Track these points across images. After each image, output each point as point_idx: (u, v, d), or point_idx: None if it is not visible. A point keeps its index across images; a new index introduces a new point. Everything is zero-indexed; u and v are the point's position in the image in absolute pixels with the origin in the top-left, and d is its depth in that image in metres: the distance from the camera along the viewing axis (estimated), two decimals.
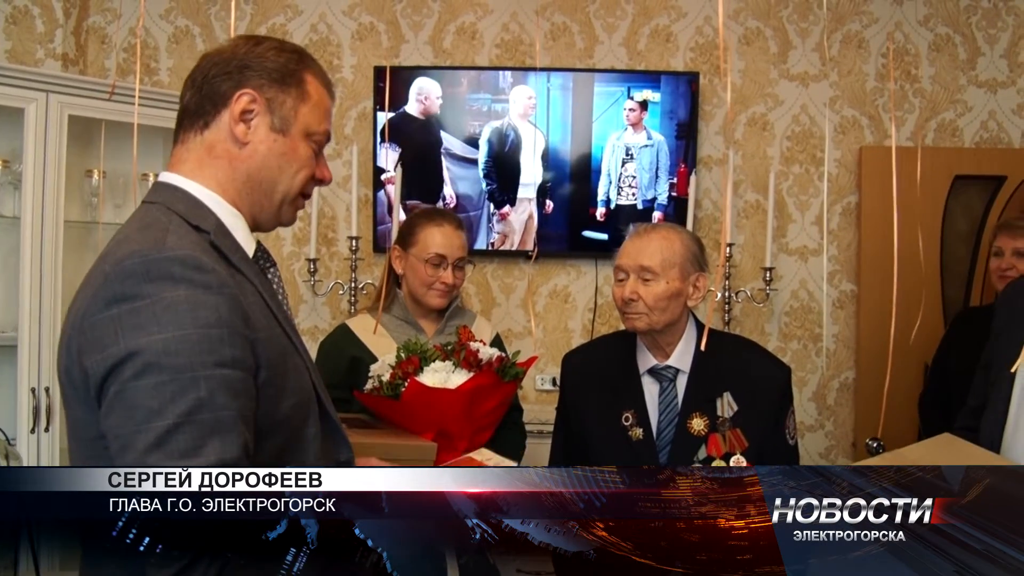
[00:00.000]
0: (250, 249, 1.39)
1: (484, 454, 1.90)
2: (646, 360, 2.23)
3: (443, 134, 3.79)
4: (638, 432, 2.17)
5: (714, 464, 2.11)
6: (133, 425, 1.14)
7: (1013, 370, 1.78)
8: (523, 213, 3.81)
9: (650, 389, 2.21)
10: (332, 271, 3.89)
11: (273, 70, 1.37)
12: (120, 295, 1.19)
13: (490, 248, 3.83)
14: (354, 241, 3.68)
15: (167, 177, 1.38)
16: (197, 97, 1.38)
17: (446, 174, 3.80)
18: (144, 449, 1.13)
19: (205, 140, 1.37)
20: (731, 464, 2.12)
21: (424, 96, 3.77)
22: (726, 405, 2.15)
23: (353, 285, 3.73)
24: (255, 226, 1.44)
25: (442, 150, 3.79)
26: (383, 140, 3.76)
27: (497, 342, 2.55)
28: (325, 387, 1.46)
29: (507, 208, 3.80)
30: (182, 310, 1.18)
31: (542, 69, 3.79)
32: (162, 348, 1.15)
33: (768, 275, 3.67)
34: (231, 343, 1.20)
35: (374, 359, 2.28)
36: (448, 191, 3.80)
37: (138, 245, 1.23)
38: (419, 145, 3.79)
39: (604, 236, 3.78)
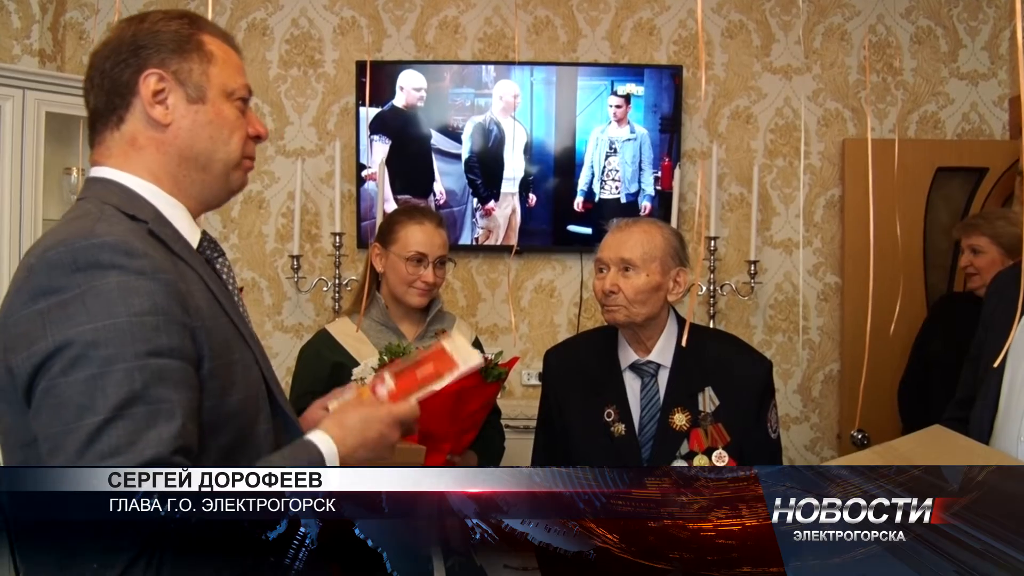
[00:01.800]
0: (194, 238, 1.33)
1: (456, 341, 1.66)
2: (627, 355, 2.23)
3: (425, 127, 3.77)
4: (620, 428, 2.17)
5: (696, 459, 2.11)
6: (62, 424, 1.08)
7: (995, 365, 1.78)
8: (507, 208, 3.79)
9: (632, 384, 2.21)
10: (316, 267, 3.87)
11: (168, 41, 1.30)
12: (46, 288, 1.12)
13: (475, 243, 3.81)
14: (337, 237, 3.66)
15: (98, 171, 1.31)
16: (102, 95, 1.31)
17: (435, 168, 3.78)
18: (76, 449, 1.07)
19: (124, 134, 1.30)
20: (713, 458, 2.12)
21: (411, 88, 3.75)
22: (708, 400, 2.15)
23: (337, 281, 3.71)
24: (206, 205, 1.38)
25: (431, 144, 3.78)
26: (372, 133, 3.73)
27: (476, 345, 2.53)
28: (278, 382, 1.42)
29: (491, 203, 3.78)
30: (113, 298, 1.11)
31: (524, 63, 3.78)
32: (91, 339, 1.09)
33: (752, 268, 3.68)
34: (167, 331, 1.14)
35: (355, 364, 2.26)
36: (438, 187, 3.78)
37: (65, 235, 1.17)
38: (409, 139, 3.77)
39: (588, 230, 3.77)
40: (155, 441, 1.08)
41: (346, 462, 1.29)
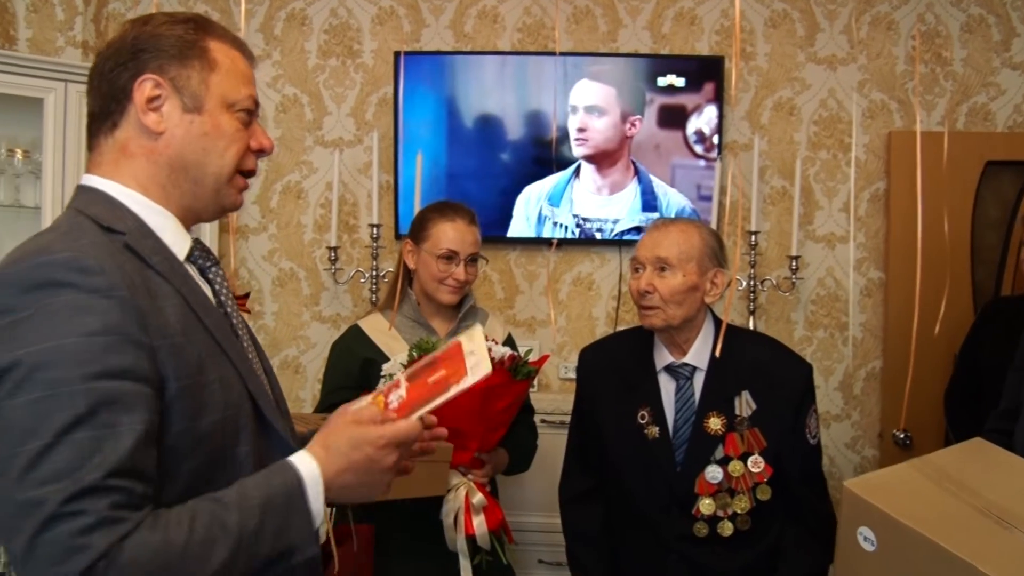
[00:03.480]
0: (183, 248, 1.30)
1: (474, 338, 1.44)
2: (663, 357, 2.20)
3: (466, 118, 3.75)
4: (654, 430, 2.15)
5: (731, 464, 2.08)
6: (7, 448, 1.04)
7: None
8: None
9: (667, 387, 2.18)
10: (353, 258, 3.87)
11: (170, 46, 1.26)
12: None
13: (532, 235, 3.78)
14: (375, 229, 3.66)
15: (86, 180, 1.29)
16: (99, 98, 1.28)
17: (470, 160, 3.76)
18: (18, 475, 1.02)
19: (117, 140, 1.27)
20: (749, 464, 2.08)
21: (447, 80, 3.73)
22: (744, 404, 2.12)
23: (374, 273, 3.72)
24: (196, 217, 1.34)
25: (465, 135, 3.76)
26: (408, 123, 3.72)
27: (509, 343, 2.51)
28: (275, 400, 1.37)
29: None
30: (62, 317, 1.07)
31: (564, 53, 3.74)
32: (37, 360, 1.05)
33: (794, 263, 3.62)
34: (120, 351, 1.08)
35: (386, 360, 2.26)
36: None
37: (21, 253, 1.15)
38: (445, 131, 3.76)
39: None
40: (98, 465, 1.03)
41: (332, 487, 1.21)
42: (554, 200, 3.73)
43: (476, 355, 1.36)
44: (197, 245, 1.33)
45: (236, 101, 1.31)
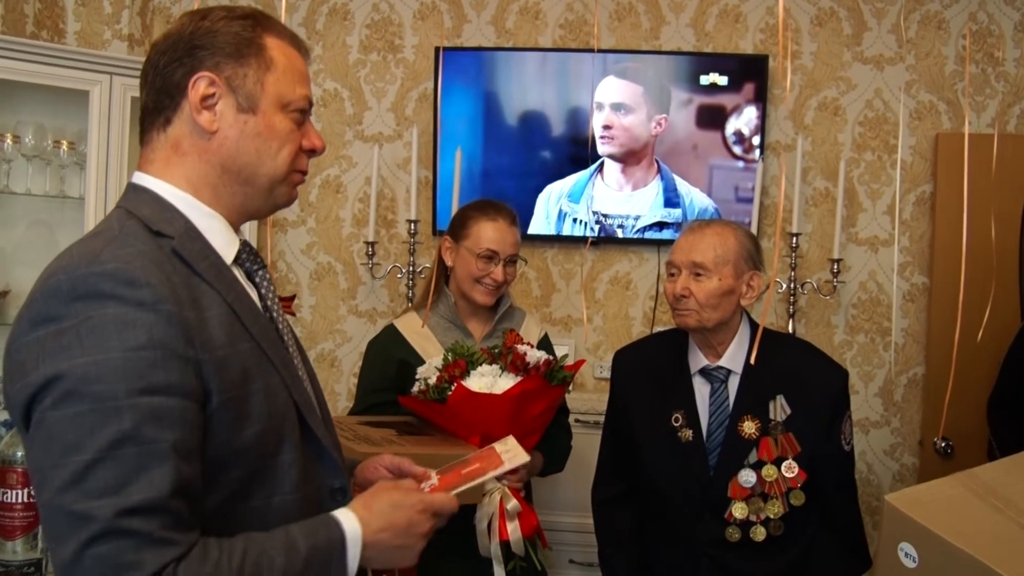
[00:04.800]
0: (231, 251, 1.28)
1: (508, 443, 1.67)
2: (697, 360, 2.18)
3: (505, 115, 3.74)
4: (688, 433, 2.13)
5: (765, 469, 2.05)
6: (50, 459, 1.03)
7: None
8: None
9: (701, 390, 2.16)
10: (391, 253, 3.88)
11: (226, 43, 1.24)
12: (45, 316, 1.08)
13: (552, 233, 3.77)
14: (413, 224, 3.66)
15: (137, 178, 1.27)
16: (153, 92, 1.25)
17: (507, 158, 3.75)
18: (60, 486, 1.02)
19: (170, 137, 1.25)
20: (782, 469, 2.06)
21: (486, 76, 3.72)
22: (779, 408, 2.09)
23: (411, 268, 3.72)
24: (247, 217, 1.33)
25: (503, 132, 3.74)
26: (447, 117, 3.72)
27: (545, 342, 2.49)
28: (318, 406, 1.36)
29: None
30: (108, 331, 1.05)
31: (605, 51, 3.71)
32: (82, 374, 1.04)
33: (836, 266, 3.56)
34: (165, 367, 1.07)
35: (421, 361, 2.24)
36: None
37: (69, 259, 1.12)
38: (482, 127, 3.75)
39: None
40: (145, 485, 1.03)
41: (369, 546, 1.23)
42: (574, 197, 3.71)
43: (511, 450, 1.48)
44: (245, 248, 1.32)
45: (291, 101, 1.29)
